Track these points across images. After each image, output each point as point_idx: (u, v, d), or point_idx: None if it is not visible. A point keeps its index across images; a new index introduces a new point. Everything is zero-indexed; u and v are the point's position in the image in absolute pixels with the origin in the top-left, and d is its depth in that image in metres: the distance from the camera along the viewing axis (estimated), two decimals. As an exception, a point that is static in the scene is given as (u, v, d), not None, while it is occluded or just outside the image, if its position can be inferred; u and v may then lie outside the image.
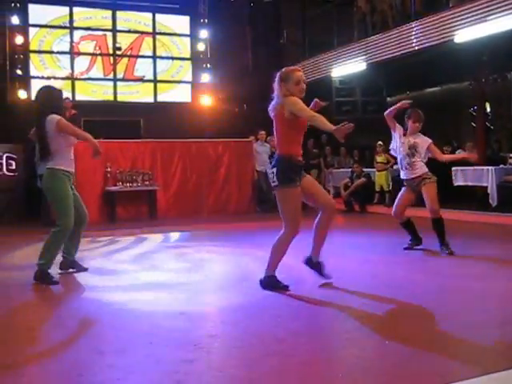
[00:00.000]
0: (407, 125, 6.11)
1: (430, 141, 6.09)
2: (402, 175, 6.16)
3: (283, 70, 4.34)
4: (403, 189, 6.20)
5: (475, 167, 9.59)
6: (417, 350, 2.99)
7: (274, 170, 4.24)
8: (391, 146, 6.29)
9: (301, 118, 4.19)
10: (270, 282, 4.37)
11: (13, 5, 12.10)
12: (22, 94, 12.06)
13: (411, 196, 6.16)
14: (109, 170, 10.18)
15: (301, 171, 4.35)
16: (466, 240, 6.66)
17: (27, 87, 12.25)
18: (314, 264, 4.58)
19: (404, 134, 6.11)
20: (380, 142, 11.66)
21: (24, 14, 12.32)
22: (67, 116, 5.33)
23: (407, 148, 6.03)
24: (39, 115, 5.00)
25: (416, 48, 10.30)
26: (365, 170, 11.77)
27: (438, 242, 5.99)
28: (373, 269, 5.34)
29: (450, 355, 2.92)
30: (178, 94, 13.79)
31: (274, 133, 4.40)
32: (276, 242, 4.36)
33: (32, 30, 12.56)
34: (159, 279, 5.00)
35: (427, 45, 10.06)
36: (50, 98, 5.09)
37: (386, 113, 6.12)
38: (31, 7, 12.49)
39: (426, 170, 6.06)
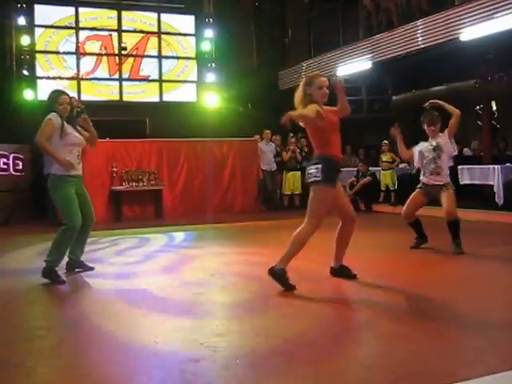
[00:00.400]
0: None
1: (445, 132, 6.02)
2: (425, 180, 6.05)
3: (309, 74, 4.60)
4: (417, 191, 6.12)
5: (482, 166, 9.57)
6: (423, 349, 2.98)
7: (320, 166, 4.35)
8: (415, 164, 6.27)
9: (327, 120, 4.33)
10: (280, 276, 4.38)
11: (19, 5, 12.13)
12: (28, 95, 12.10)
13: (424, 200, 6.12)
14: (115, 169, 10.22)
15: (339, 172, 4.50)
16: (473, 238, 6.63)
17: (33, 87, 12.29)
18: (338, 269, 4.73)
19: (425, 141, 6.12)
20: (386, 141, 11.64)
21: (30, 15, 12.35)
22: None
23: (432, 151, 5.97)
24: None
25: (421, 46, 10.27)
26: (370, 168, 11.76)
27: (452, 238, 5.89)
28: (378, 268, 5.35)
29: (455, 355, 2.92)
30: (183, 94, 13.81)
31: (309, 137, 4.57)
32: (296, 235, 4.44)
33: (38, 31, 12.60)
34: (165, 278, 5.02)
35: (433, 43, 10.02)
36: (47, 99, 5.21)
37: (401, 155, 6.46)
38: (37, 8, 12.52)
39: (449, 179, 6.03)
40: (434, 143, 6.00)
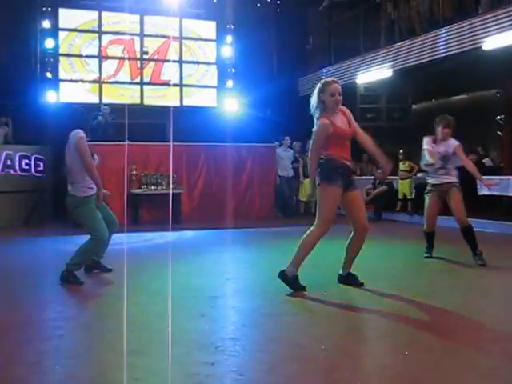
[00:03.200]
0: (437, 131, 6.04)
1: (457, 143, 5.98)
2: (434, 181, 6.03)
3: (322, 81, 4.62)
4: (430, 197, 6.06)
5: (501, 177, 9.46)
6: (437, 360, 2.96)
7: (319, 168, 4.46)
8: (425, 162, 6.16)
9: (335, 132, 4.43)
10: (290, 279, 4.46)
11: (44, 9, 12.32)
12: (51, 97, 12.25)
13: (439, 203, 6.09)
14: (134, 172, 10.30)
15: (345, 175, 4.49)
16: (492, 250, 6.57)
17: (56, 90, 12.45)
18: (345, 277, 4.74)
19: (434, 142, 6.05)
20: (404, 150, 11.59)
21: (55, 19, 12.50)
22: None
23: (442, 155, 5.96)
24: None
25: (443, 55, 10.19)
26: (388, 177, 11.68)
27: (471, 251, 5.85)
28: (395, 277, 5.32)
29: (470, 368, 2.88)
30: (203, 99, 13.86)
31: None
32: (304, 238, 4.51)
33: (62, 34, 12.74)
34: (181, 281, 5.04)
35: (455, 52, 9.94)
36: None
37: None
38: (61, 12, 12.67)
39: (457, 179, 6.03)
40: (444, 148, 5.95)
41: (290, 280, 4.46)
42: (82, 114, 5.38)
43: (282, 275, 4.49)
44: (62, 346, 3.28)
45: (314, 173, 4.52)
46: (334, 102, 4.46)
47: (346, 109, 4.61)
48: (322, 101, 4.47)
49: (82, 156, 4.98)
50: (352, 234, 4.66)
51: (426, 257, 6.22)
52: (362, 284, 4.66)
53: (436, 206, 6.09)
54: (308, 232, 4.51)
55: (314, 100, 4.54)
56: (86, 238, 5.14)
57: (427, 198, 6.14)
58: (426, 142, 6.09)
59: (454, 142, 5.99)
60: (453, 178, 5.98)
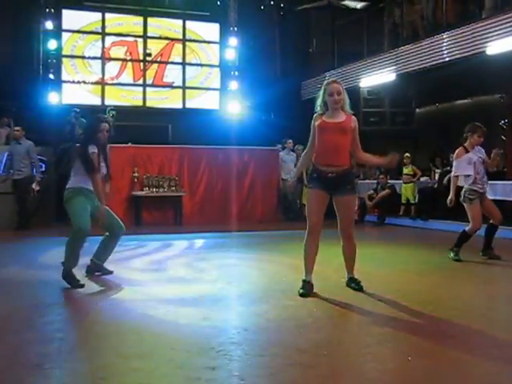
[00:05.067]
0: (470, 139, 6.23)
1: (483, 150, 6.34)
2: (480, 189, 6.21)
3: (324, 82, 4.66)
4: (477, 202, 6.21)
5: (504, 182, 9.44)
6: (441, 366, 2.94)
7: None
8: (460, 172, 6.30)
9: (318, 126, 4.53)
10: (302, 284, 4.53)
11: (47, 10, 12.34)
12: (53, 98, 12.27)
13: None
14: (136, 174, 10.29)
15: (324, 180, 4.49)
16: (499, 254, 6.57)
17: (59, 91, 12.47)
18: (347, 282, 4.77)
19: (466, 152, 6.24)
20: (407, 154, 11.57)
21: (58, 20, 12.55)
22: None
23: (481, 162, 6.22)
24: None
25: (447, 59, 10.20)
26: (391, 181, 11.68)
27: (484, 247, 6.36)
28: (398, 282, 5.29)
29: (473, 375, 2.86)
30: (206, 101, 13.89)
31: None
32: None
33: (65, 35, 12.79)
34: (183, 285, 5.04)
35: (458, 56, 9.95)
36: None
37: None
38: (65, 13, 12.73)
39: None
40: (482, 156, 6.23)
41: (302, 283, 4.54)
42: (94, 121, 5.35)
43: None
44: (62, 349, 3.26)
45: (298, 170, 5.10)
46: (333, 102, 4.48)
47: (354, 119, 4.59)
48: (325, 101, 4.52)
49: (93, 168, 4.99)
50: (341, 240, 4.71)
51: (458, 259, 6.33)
52: (360, 289, 4.64)
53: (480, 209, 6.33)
54: None
55: (318, 102, 4.59)
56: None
57: (473, 204, 6.22)
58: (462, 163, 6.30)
59: (481, 149, 6.33)
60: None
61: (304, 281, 4.54)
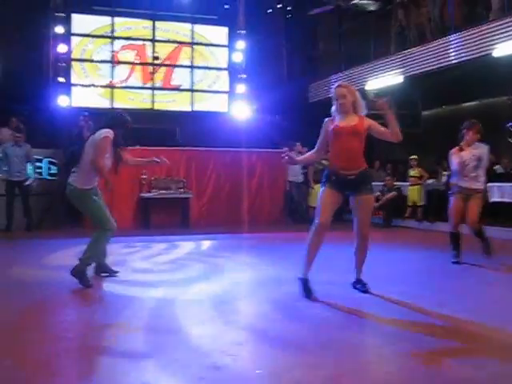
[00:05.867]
0: (466, 136, 6.18)
1: (487, 146, 6.21)
2: (462, 183, 6.16)
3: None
4: (455, 199, 6.20)
5: (512, 184, 9.46)
6: (447, 368, 2.95)
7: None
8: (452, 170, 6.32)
9: (331, 130, 4.55)
10: (300, 284, 4.52)
11: (57, 15, 12.47)
12: (63, 101, 12.39)
13: (463, 205, 6.21)
14: (144, 176, 10.38)
15: (338, 181, 4.52)
16: (504, 257, 6.58)
17: (68, 94, 12.59)
18: (354, 283, 4.77)
19: (460, 150, 6.18)
20: (414, 156, 11.59)
21: (68, 24, 12.67)
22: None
23: (474, 160, 6.13)
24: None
25: (454, 62, 10.19)
26: (397, 183, 11.70)
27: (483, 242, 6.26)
28: (405, 283, 5.28)
29: (479, 377, 2.86)
30: (214, 104, 13.95)
31: None
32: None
33: (75, 39, 12.91)
34: (190, 286, 5.06)
35: (465, 58, 9.95)
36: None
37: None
38: (74, 17, 12.84)
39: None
40: (476, 153, 6.14)
41: (300, 286, 4.52)
42: (119, 116, 5.37)
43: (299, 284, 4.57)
44: (71, 348, 3.31)
45: (300, 160, 5.12)
46: (338, 107, 4.56)
47: (367, 118, 4.60)
48: (336, 106, 4.59)
49: (96, 154, 5.01)
50: (355, 241, 4.69)
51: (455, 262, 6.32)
52: (366, 291, 4.65)
53: (461, 207, 6.26)
54: None
55: (333, 107, 4.68)
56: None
57: (452, 198, 6.30)
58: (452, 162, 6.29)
59: (484, 146, 6.23)
60: (480, 186, 6.28)
61: (303, 279, 4.51)
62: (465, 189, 6.16)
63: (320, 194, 4.61)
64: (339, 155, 4.53)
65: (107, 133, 5.04)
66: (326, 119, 4.64)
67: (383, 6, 13.04)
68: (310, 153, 4.86)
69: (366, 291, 4.65)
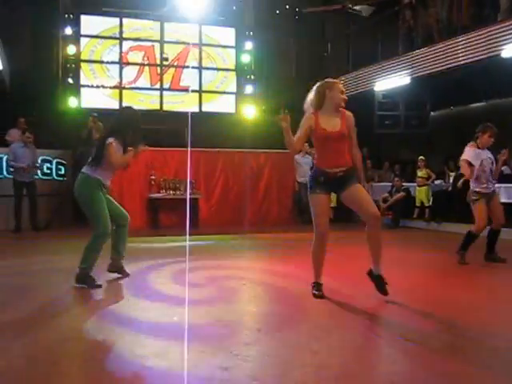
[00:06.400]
0: (480, 139, 6.27)
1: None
2: (484, 189, 6.26)
3: (324, 80, 4.67)
4: (481, 203, 6.26)
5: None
6: (452, 367, 2.98)
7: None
8: (471, 159, 6.31)
9: (315, 132, 4.52)
10: (315, 287, 4.57)
11: (66, 16, 12.57)
12: (72, 102, 12.48)
13: (486, 208, 6.33)
14: (153, 177, 10.44)
15: (327, 181, 4.49)
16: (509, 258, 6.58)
17: (77, 95, 12.68)
18: (373, 277, 4.60)
19: (477, 147, 6.29)
20: (422, 157, 11.60)
21: (77, 25, 12.76)
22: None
23: (490, 163, 6.28)
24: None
25: (462, 62, 10.17)
26: (406, 184, 11.71)
27: (486, 251, 6.41)
28: (412, 284, 5.31)
29: (483, 376, 2.89)
30: (222, 105, 14.00)
31: None
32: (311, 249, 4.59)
33: (84, 40, 12.99)
34: (198, 286, 5.08)
35: (473, 59, 9.92)
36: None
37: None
38: (84, 18, 12.92)
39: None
40: (490, 156, 6.29)
41: (313, 289, 4.58)
42: (124, 120, 5.33)
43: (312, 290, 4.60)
44: (79, 348, 3.34)
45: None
46: (342, 100, 4.55)
47: (349, 114, 4.57)
48: (330, 98, 4.53)
49: (110, 158, 5.07)
50: (366, 226, 4.51)
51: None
52: (385, 293, 4.50)
53: (487, 210, 6.37)
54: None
55: (311, 99, 4.63)
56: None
57: (476, 204, 6.34)
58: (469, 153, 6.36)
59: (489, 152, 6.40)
60: (495, 186, 6.53)
61: (316, 283, 4.60)
62: (486, 194, 6.28)
63: (312, 201, 4.52)
64: (327, 157, 4.51)
65: (110, 140, 5.07)
66: (308, 114, 4.54)
67: (380, 10, 13.03)
68: (295, 142, 4.53)
69: (384, 293, 4.47)
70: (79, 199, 5.12)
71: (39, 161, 10.47)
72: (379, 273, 4.53)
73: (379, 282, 4.53)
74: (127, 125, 5.25)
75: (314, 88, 4.59)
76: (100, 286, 5.03)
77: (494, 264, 6.36)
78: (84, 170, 5.14)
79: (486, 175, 6.25)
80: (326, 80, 4.63)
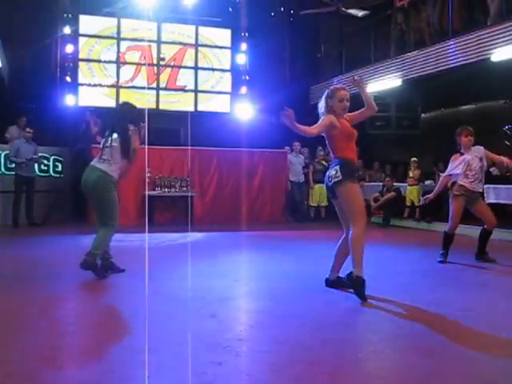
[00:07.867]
0: (460, 142, 6.38)
1: (482, 147, 6.42)
2: (469, 186, 6.27)
3: (331, 87, 4.85)
4: (458, 201, 6.30)
5: (508, 185, 9.64)
6: (443, 365, 3.01)
7: (337, 167, 4.61)
8: (451, 172, 6.44)
9: (339, 130, 4.66)
10: (355, 283, 4.50)
11: (65, 15, 12.70)
12: (70, 101, 12.62)
13: (463, 207, 6.37)
14: (149, 175, 10.59)
15: (354, 174, 4.80)
16: (500, 257, 6.67)
17: (75, 94, 12.82)
18: (333, 283, 4.82)
19: (461, 154, 6.37)
20: (414, 158, 11.77)
21: (75, 25, 12.87)
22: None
23: (479, 161, 6.30)
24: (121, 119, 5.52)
25: (452, 66, 10.32)
26: (396, 184, 11.90)
27: (478, 251, 6.47)
28: (403, 282, 5.38)
29: (474, 375, 2.93)
30: (217, 105, 14.14)
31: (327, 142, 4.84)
32: (351, 242, 4.53)
33: (82, 40, 13.12)
34: (191, 282, 5.02)
35: (463, 63, 10.05)
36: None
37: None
38: (82, 18, 13.04)
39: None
40: (478, 155, 6.32)
41: (354, 283, 4.51)
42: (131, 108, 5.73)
43: (350, 278, 4.56)
44: (74, 342, 3.37)
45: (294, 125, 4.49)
46: (342, 108, 4.72)
47: (349, 115, 4.86)
48: (331, 106, 4.70)
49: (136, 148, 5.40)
50: (344, 234, 4.68)
51: (440, 261, 6.50)
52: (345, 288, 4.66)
53: (461, 210, 6.44)
54: (350, 234, 4.55)
55: (321, 105, 4.78)
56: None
57: (455, 200, 6.39)
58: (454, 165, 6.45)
59: (481, 148, 6.43)
60: (482, 187, 6.65)
61: (360, 277, 4.46)
62: (469, 190, 6.28)
63: (350, 190, 4.58)
64: (353, 151, 4.74)
65: (132, 128, 5.49)
66: (331, 115, 4.67)
67: (375, 13, 13.21)
68: (311, 128, 4.62)
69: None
70: (94, 193, 5.34)
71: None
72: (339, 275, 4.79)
73: (342, 282, 4.75)
74: (128, 117, 5.58)
75: (323, 97, 4.82)
76: (106, 277, 5.22)
77: (484, 264, 6.39)
78: (98, 165, 5.33)
79: (474, 173, 6.26)
80: (331, 87, 4.86)
